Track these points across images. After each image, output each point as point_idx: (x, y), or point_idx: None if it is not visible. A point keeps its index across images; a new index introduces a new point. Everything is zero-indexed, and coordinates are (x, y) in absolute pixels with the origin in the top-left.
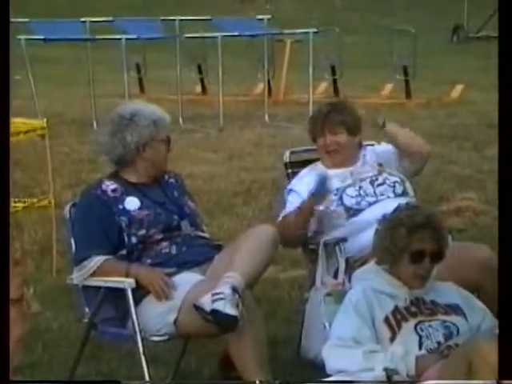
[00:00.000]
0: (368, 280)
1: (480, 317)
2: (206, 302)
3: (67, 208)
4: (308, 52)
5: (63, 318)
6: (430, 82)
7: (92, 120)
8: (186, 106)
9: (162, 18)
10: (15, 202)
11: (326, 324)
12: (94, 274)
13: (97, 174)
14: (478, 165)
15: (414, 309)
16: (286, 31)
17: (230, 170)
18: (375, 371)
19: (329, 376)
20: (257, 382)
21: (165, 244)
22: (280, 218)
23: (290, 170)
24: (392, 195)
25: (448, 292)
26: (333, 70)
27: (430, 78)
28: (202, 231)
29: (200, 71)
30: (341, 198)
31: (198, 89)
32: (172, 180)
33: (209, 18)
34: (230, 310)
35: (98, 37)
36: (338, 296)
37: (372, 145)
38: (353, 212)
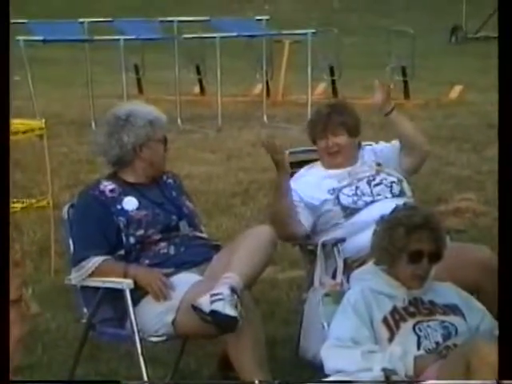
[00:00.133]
0: (366, 280)
1: (479, 317)
2: (205, 303)
3: (65, 209)
4: (306, 53)
5: (61, 319)
6: (428, 82)
7: (90, 121)
8: (185, 107)
9: (160, 18)
10: (13, 203)
11: (325, 324)
12: (92, 275)
13: (95, 174)
14: (476, 166)
15: (412, 309)
16: (285, 32)
17: (229, 171)
18: (373, 371)
19: (327, 376)
20: (256, 382)
21: (163, 244)
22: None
23: None
24: (389, 195)
25: (446, 292)
26: (331, 71)
27: (428, 78)
28: (201, 231)
29: (198, 72)
30: (337, 198)
31: (197, 89)
32: (170, 180)
33: (207, 18)
34: (229, 310)
35: (96, 37)
36: (337, 296)
37: (370, 145)
38: (350, 211)
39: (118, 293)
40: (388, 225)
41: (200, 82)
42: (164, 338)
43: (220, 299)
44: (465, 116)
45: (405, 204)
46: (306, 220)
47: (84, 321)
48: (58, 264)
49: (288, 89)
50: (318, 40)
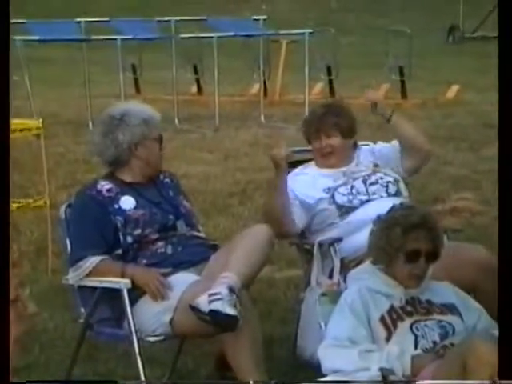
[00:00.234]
0: (363, 280)
1: (476, 316)
2: (203, 303)
3: (62, 208)
4: (304, 52)
5: (59, 319)
6: (425, 82)
7: (87, 120)
8: (182, 107)
9: (157, 18)
10: (11, 203)
11: (322, 324)
12: (89, 275)
13: (92, 174)
14: (474, 165)
15: (409, 308)
16: (282, 32)
17: (226, 171)
18: (371, 371)
19: (324, 376)
20: (251, 382)
21: (160, 244)
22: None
23: None
24: (385, 195)
25: (444, 292)
26: (328, 71)
27: (425, 78)
28: (198, 231)
29: (196, 71)
30: (333, 197)
31: (194, 89)
32: (167, 180)
33: (204, 18)
34: (229, 310)
35: (93, 37)
36: (334, 296)
37: (367, 145)
38: (345, 210)
39: (115, 292)
40: (385, 224)
41: (197, 81)
42: (161, 337)
43: (218, 299)
44: (462, 116)
45: (401, 203)
46: (299, 218)
47: (81, 321)
48: (55, 264)
49: (285, 88)
50: (316, 40)
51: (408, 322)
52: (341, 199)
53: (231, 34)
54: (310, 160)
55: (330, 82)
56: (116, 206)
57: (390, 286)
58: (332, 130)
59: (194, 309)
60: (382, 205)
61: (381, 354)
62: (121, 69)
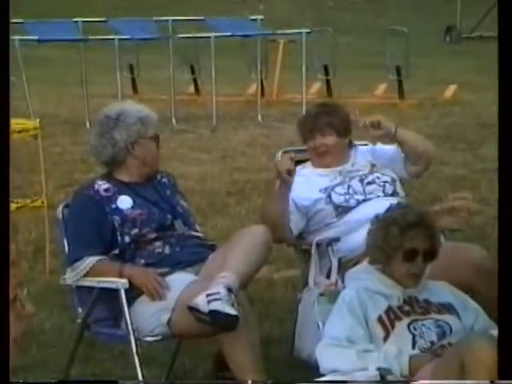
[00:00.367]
0: (361, 280)
1: (473, 316)
2: (202, 303)
3: (60, 208)
4: (301, 52)
5: (56, 319)
6: (423, 82)
7: (85, 120)
8: (179, 107)
9: (155, 18)
10: None
11: (320, 324)
12: (87, 275)
13: (89, 174)
14: (471, 165)
15: (407, 308)
16: (279, 31)
17: (223, 170)
18: (369, 371)
19: (322, 376)
20: (249, 382)
21: (158, 244)
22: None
23: None
24: (382, 194)
25: (441, 291)
26: (326, 70)
27: (423, 78)
28: (196, 231)
29: (193, 71)
30: (329, 196)
31: (191, 89)
32: (164, 179)
33: (202, 18)
34: (229, 309)
35: (90, 37)
36: (331, 296)
37: (366, 145)
38: (341, 210)
39: (112, 293)
40: (382, 223)
41: (195, 81)
42: (159, 337)
43: (217, 299)
44: (459, 115)
45: (399, 203)
46: (296, 225)
47: (79, 321)
48: (53, 264)
49: (282, 88)
50: (313, 40)
51: (406, 321)
52: (338, 199)
53: (228, 33)
54: (307, 160)
55: (328, 81)
56: (113, 206)
57: (387, 286)
58: (326, 129)
59: (193, 309)
60: (379, 204)
61: (379, 354)
62: (118, 69)
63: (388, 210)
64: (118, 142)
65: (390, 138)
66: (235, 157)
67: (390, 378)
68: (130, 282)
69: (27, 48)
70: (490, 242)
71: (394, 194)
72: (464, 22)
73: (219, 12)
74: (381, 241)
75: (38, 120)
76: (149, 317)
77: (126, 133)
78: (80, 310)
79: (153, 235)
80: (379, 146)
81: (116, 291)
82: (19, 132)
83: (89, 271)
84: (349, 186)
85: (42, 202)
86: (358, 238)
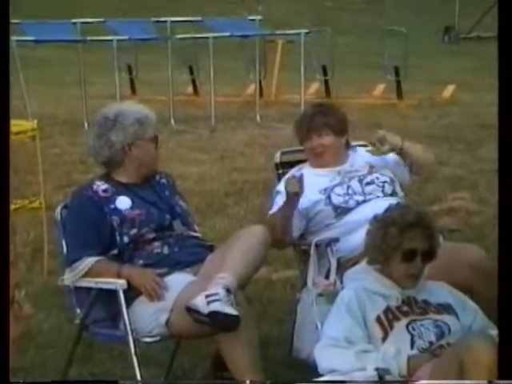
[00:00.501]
0: (360, 280)
1: (472, 316)
2: (201, 304)
3: (58, 209)
4: (299, 52)
5: (55, 320)
6: (421, 82)
7: (83, 121)
8: (178, 107)
9: (153, 19)
10: None
11: (318, 324)
12: (85, 275)
13: (88, 175)
14: (469, 165)
15: (405, 308)
16: (278, 32)
17: (222, 171)
18: (367, 371)
19: (321, 376)
20: (247, 382)
21: (157, 244)
22: (267, 217)
23: (280, 171)
24: (381, 195)
25: (440, 291)
26: (324, 71)
27: (421, 78)
28: (194, 231)
29: (191, 72)
30: (329, 197)
31: (190, 90)
32: (163, 180)
33: (200, 18)
34: (229, 309)
35: (89, 38)
36: (330, 296)
37: (365, 145)
38: (341, 211)
39: (111, 293)
40: (381, 224)
41: (193, 82)
42: (158, 338)
43: (217, 300)
44: (458, 116)
45: (398, 203)
46: (296, 227)
47: (77, 321)
48: (51, 265)
49: (281, 89)
50: (311, 40)
51: (404, 321)
52: (337, 200)
53: (227, 34)
54: (305, 160)
55: (326, 82)
56: (112, 207)
57: (386, 286)
58: (322, 129)
59: (192, 310)
60: (378, 205)
61: (377, 354)
62: (116, 69)
63: (387, 210)
64: (114, 143)
65: (396, 152)
66: (234, 157)
67: (388, 378)
68: (129, 283)
69: (25, 49)
70: (489, 243)
71: (393, 194)
72: (462, 23)
73: (217, 12)
74: (379, 241)
75: (36, 121)
76: (147, 317)
77: (123, 134)
78: (78, 310)
79: (151, 235)
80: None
81: (114, 292)
82: (17, 133)
83: (87, 272)
84: (348, 187)
85: (40, 203)
86: (357, 239)
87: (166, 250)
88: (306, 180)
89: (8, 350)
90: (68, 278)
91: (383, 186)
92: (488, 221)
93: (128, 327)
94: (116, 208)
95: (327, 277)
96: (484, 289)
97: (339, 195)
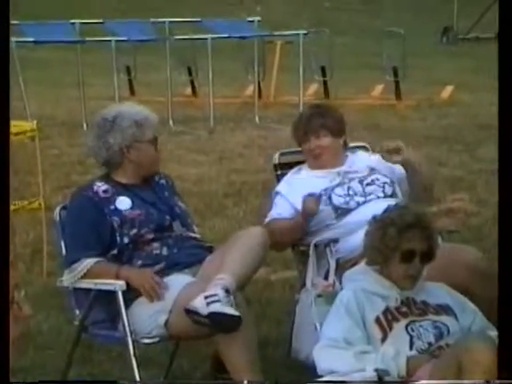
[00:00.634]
0: (358, 281)
1: (471, 317)
2: (200, 306)
3: (57, 210)
4: (298, 53)
5: (54, 321)
6: (420, 83)
7: (82, 122)
8: (176, 108)
9: (151, 20)
10: None
11: (317, 325)
12: (84, 277)
13: (87, 175)
14: (468, 166)
15: (404, 309)
16: (276, 33)
17: (221, 172)
18: (366, 372)
19: (320, 377)
20: (245, 382)
21: (156, 245)
22: (267, 220)
23: (279, 172)
24: (381, 195)
25: (439, 292)
26: (323, 72)
27: (420, 79)
28: (193, 232)
29: (190, 73)
30: (329, 198)
31: (188, 91)
32: (162, 181)
33: (199, 19)
34: (229, 310)
35: (87, 39)
36: (329, 297)
37: (364, 147)
38: (341, 211)
39: (110, 294)
40: (380, 224)
41: (192, 83)
42: (157, 339)
43: (216, 300)
44: (456, 116)
45: (396, 204)
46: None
47: (76, 323)
48: (50, 266)
49: (280, 90)
50: (310, 41)
51: (403, 322)
52: (337, 200)
53: (225, 35)
54: (304, 161)
55: (325, 82)
56: (112, 207)
57: (384, 287)
58: (320, 130)
59: (191, 312)
60: (378, 206)
61: (376, 355)
62: (115, 70)
63: (385, 211)
64: (112, 145)
65: (405, 165)
66: (232, 158)
67: (387, 379)
68: (128, 284)
69: (24, 50)
70: (487, 243)
71: (394, 195)
72: (460, 23)
73: (216, 13)
74: (378, 242)
75: (35, 122)
76: (146, 318)
77: (121, 136)
78: (77, 311)
79: (151, 235)
80: (377, 157)
81: (113, 293)
82: (16, 134)
83: (86, 273)
84: (348, 188)
85: (40, 204)
86: (356, 239)
87: (165, 251)
88: (306, 181)
89: (8, 350)
90: (67, 279)
91: (384, 187)
92: (486, 222)
93: (127, 328)
94: (116, 208)
95: (326, 278)
96: (481, 290)
97: (340, 196)
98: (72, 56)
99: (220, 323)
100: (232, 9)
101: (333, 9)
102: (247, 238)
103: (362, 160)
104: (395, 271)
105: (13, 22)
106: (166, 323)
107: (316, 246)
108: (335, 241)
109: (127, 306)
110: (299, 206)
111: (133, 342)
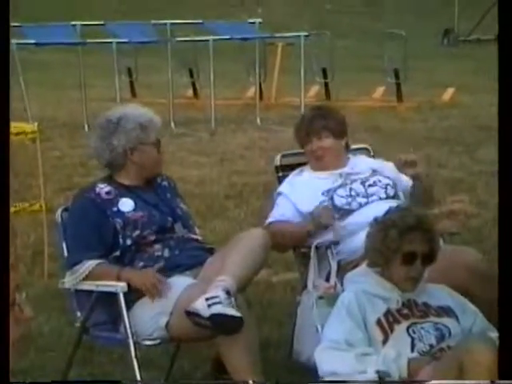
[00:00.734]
0: (360, 283)
1: (472, 319)
2: (202, 307)
3: (59, 212)
4: (299, 55)
5: (55, 323)
6: (421, 85)
7: (83, 124)
8: (178, 110)
9: (153, 21)
10: None
11: (319, 327)
12: (86, 278)
13: (88, 177)
14: (469, 168)
15: (406, 311)
16: (278, 35)
17: (222, 174)
18: (368, 374)
19: (321, 379)
20: (250, 382)
21: (157, 247)
22: (269, 220)
23: (280, 174)
24: (384, 196)
25: (440, 294)
26: (324, 74)
27: (421, 81)
28: (195, 234)
29: (191, 75)
30: (331, 199)
31: (190, 92)
32: (164, 183)
33: (200, 21)
34: (232, 311)
35: (89, 41)
36: (330, 299)
37: (366, 149)
38: (343, 212)
39: (111, 296)
40: (381, 226)
41: (193, 85)
42: (158, 341)
43: (217, 302)
44: (457, 118)
45: (398, 206)
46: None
47: (78, 324)
48: (52, 268)
49: (281, 91)
50: (311, 43)
51: (404, 324)
52: (339, 201)
53: (227, 37)
54: (305, 163)
55: (326, 84)
56: (115, 209)
57: (386, 289)
58: (322, 131)
59: (192, 314)
60: (379, 207)
61: (377, 357)
62: (116, 72)
63: (387, 212)
64: (116, 147)
65: (416, 178)
66: (234, 160)
67: (388, 380)
68: (129, 286)
69: (25, 51)
70: (487, 245)
71: (396, 196)
72: (461, 25)
73: (217, 15)
74: (379, 244)
75: (36, 123)
76: (147, 320)
77: (125, 138)
78: (79, 313)
79: (153, 237)
80: (393, 169)
81: (115, 295)
82: (17, 135)
83: (88, 275)
84: (351, 189)
85: (41, 206)
86: (358, 241)
87: (166, 253)
88: (308, 182)
89: (8, 351)
90: (68, 280)
91: (386, 188)
92: (486, 223)
93: (128, 330)
94: (119, 210)
95: (327, 279)
96: (481, 292)
97: (342, 197)
98: (73, 58)
99: (222, 325)
100: (233, 10)
101: (334, 11)
102: (248, 240)
103: (364, 162)
104: (396, 273)
105: (14, 24)
106: (167, 325)
107: (317, 247)
108: (336, 242)
109: (128, 308)
110: (301, 207)
111: (134, 343)
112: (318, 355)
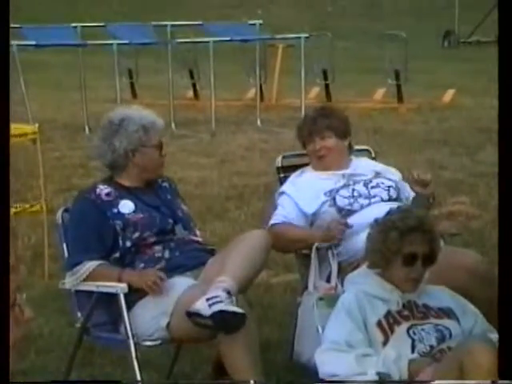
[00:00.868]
0: (360, 284)
1: (472, 320)
2: (203, 307)
3: (59, 213)
4: (300, 57)
5: (55, 323)
6: (421, 86)
7: (84, 125)
8: (178, 111)
9: (153, 23)
10: None
11: (319, 328)
12: (86, 279)
13: (88, 178)
14: (469, 169)
15: (406, 312)
16: (278, 36)
17: (223, 175)
18: (368, 375)
19: (322, 380)
20: (251, 382)
21: (158, 248)
22: (273, 222)
23: (282, 175)
24: (386, 198)
25: (440, 295)
26: (325, 75)
27: (421, 82)
28: (195, 235)
29: (192, 76)
30: (333, 199)
31: (190, 94)
32: (165, 184)
33: (200, 23)
34: (234, 308)
35: (89, 42)
36: (331, 300)
37: (367, 150)
38: (345, 213)
39: (112, 297)
40: (382, 227)
41: (193, 86)
42: (158, 342)
43: (219, 301)
44: (458, 120)
45: (398, 207)
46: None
47: (78, 325)
48: (52, 268)
49: (281, 93)
50: (312, 44)
51: (405, 326)
52: (342, 202)
53: (227, 38)
54: (306, 164)
55: (326, 86)
56: (115, 210)
57: (386, 290)
58: (325, 131)
59: (193, 315)
60: (381, 208)
61: (378, 358)
62: (117, 73)
63: (387, 214)
64: (117, 148)
65: (423, 195)
66: (234, 161)
67: (389, 382)
68: (130, 287)
69: (25, 53)
70: (488, 247)
71: (398, 198)
72: (462, 27)
73: (218, 17)
74: (380, 245)
75: (36, 124)
76: (148, 321)
77: (127, 140)
78: (79, 314)
79: (153, 239)
80: (397, 175)
81: (115, 296)
82: (18, 136)
83: (88, 276)
84: (353, 190)
85: (41, 207)
86: (359, 242)
87: (167, 254)
88: (311, 182)
89: (8, 351)
90: (69, 281)
91: (389, 190)
92: (487, 225)
93: (129, 331)
94: (119, 212)
95: (328, 280)
96: (480, 293)
97: (344, 197)
98: (74, 59)
99: (223, 322)
100: (233, 12)
101: (335, 12)
102: (249, 241)
103: (366, 164)
104: (397, 274)
105: (14, 25)
106: (168, 326)
107: (318, 248)
108: (337, 244)
109: (129, 309)
110: (304, 207)
111: (135, 344)
112: (319, 356)
